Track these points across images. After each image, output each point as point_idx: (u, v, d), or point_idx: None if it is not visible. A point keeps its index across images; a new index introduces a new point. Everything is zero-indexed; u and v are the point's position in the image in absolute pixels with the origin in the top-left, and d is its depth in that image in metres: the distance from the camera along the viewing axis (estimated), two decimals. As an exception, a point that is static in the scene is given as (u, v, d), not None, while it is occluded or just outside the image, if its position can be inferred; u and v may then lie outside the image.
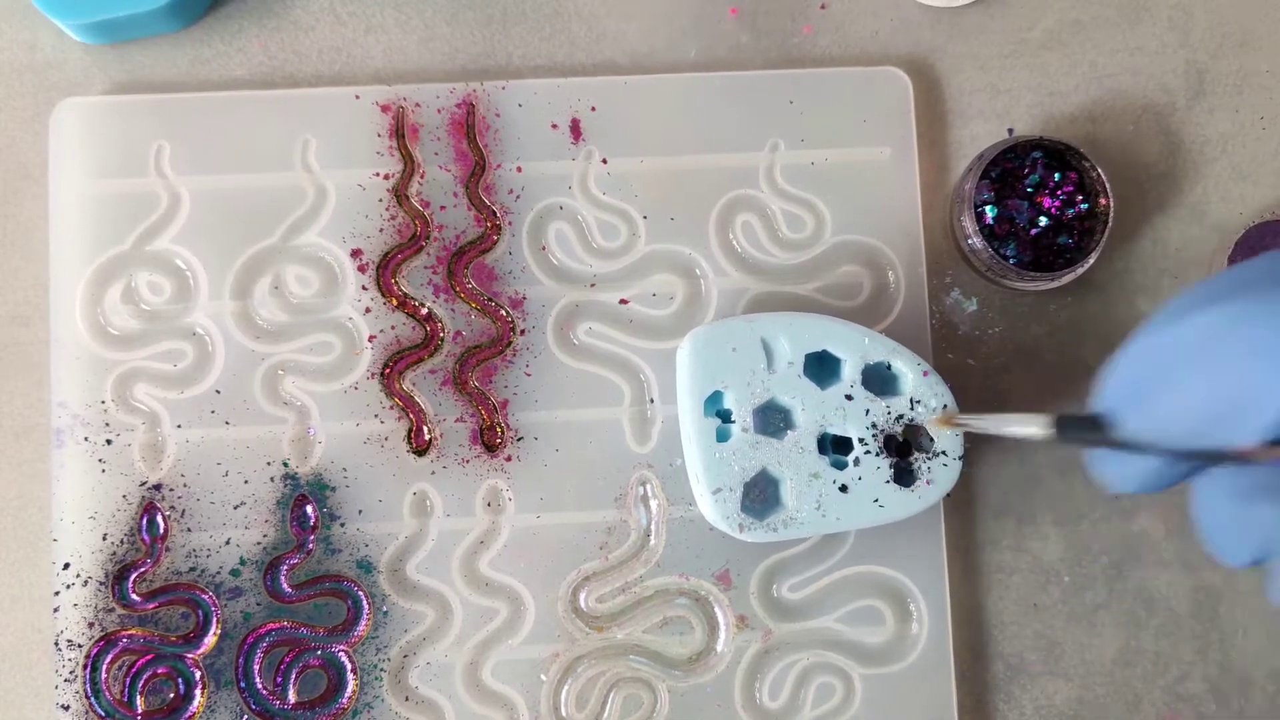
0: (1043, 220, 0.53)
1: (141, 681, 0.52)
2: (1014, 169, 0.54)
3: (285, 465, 0.53)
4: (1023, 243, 0.54)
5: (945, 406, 0.51)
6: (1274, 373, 0.31)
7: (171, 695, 0.52)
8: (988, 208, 0.54)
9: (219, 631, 0.52)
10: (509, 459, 0.54)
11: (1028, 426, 0.44)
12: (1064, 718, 0.55)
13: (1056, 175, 0.54)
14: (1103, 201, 0.53)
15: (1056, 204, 0.53)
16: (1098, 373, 0.38)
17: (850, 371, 0.51)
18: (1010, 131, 0.57)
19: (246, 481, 0.53)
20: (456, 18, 0.57)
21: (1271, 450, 0.32)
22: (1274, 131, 0.58)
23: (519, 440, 0.54)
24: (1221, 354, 0.32)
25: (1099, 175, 0.53)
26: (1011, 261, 0.53)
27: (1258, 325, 0.32)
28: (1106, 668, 0.55)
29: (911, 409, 0.51)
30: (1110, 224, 0.53)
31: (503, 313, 0.54)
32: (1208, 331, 0.33)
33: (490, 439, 0.54)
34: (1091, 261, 0.53)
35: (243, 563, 0.53)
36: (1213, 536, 0.37)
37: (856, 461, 0.51)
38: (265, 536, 0.53)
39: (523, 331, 0.54)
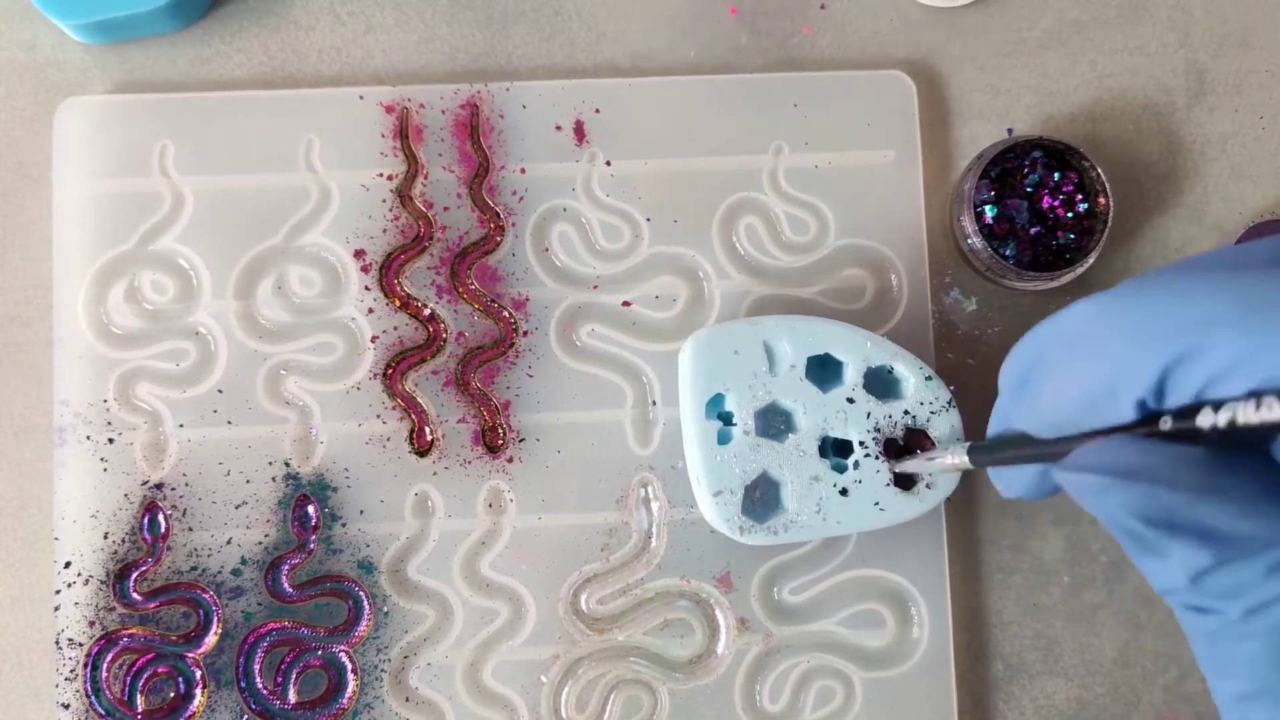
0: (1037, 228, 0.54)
1: (142, 680, 0.52)
2: (1014, 169, 0.54)
3: (287, 465, 0.53)
4: (1022, 242, 0.54)
5: (949, 404, 0.51)
6: (1136, 350, 0.31)
7: (172, 694, 0.52)
8: (987, 207, 0.54)
9: (220, 631, 0.52)
10: (511, 460, 0.54)
11: (952, 459, 0.45)
12: (1064, 717, 0.55)
13: (1056, 175, 0.54)
14: (1102, 201, 0.53)
15: (1057, 203, 0.54)
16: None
17: (852, 375, 0.51)
18: (1010, 131, 0.57)
19: (248, 481, 0.53)
20: (456, 18, 0.57)
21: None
22: (1274, 131, 0.58)
23: (521, 441, 0.54)
24: (1093, 340, 0.33)
25: (1099, 175, 0.53)
26: (1011, 261, 0.53)
27: (1125, 309, 0.32)
28: (1106, 668, 0.55)
29: (912, 413, 0.51)
30: (1110, 224, 0.53)
31: (505, 314, 0.54)
32: (1083, 320, 0.33)
33: (492, 440, 0.54)
34: (1091, 261, 0.53)
35: (244, 562, 0.53)
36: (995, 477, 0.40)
37: (857, 465, 0.51)
38: (267, 536, 0.53)
39: (525, 333, 0.54)
